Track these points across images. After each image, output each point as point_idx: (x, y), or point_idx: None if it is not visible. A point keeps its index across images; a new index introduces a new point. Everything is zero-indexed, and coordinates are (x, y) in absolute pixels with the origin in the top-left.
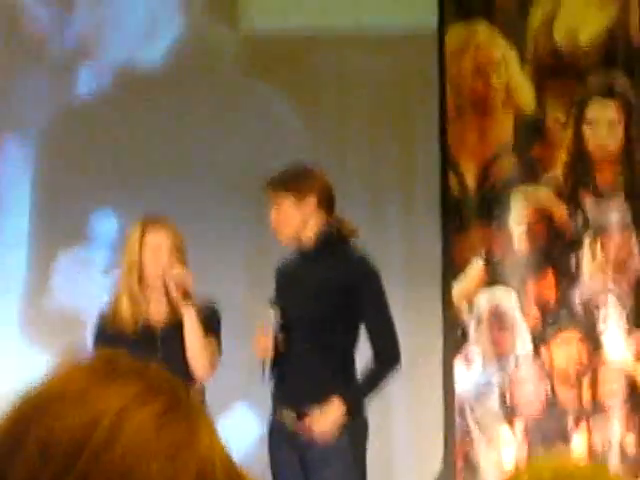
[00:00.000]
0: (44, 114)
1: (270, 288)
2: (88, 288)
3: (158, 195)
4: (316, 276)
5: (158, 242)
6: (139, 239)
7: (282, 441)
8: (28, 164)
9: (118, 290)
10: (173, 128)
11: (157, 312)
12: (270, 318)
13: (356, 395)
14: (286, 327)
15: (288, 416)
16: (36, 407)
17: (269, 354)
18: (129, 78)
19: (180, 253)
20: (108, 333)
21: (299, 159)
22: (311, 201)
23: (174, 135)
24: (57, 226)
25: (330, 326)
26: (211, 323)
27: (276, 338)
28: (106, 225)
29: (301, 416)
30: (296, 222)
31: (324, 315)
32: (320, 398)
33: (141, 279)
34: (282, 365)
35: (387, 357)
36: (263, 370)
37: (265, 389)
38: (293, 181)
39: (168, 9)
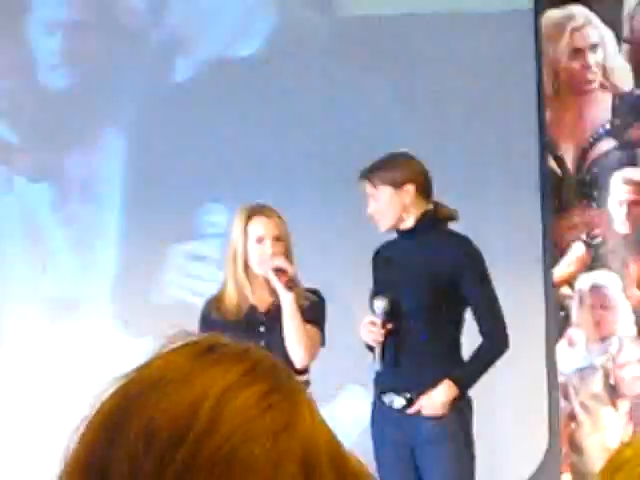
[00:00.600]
0: (143, 106)
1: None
2: (200, 282)
3: (260, 185)
4: (419, 260)
5: (261, 231)
6: (243, 227)
7: (389, 425)
8: (128, 157)
9: (225, 277)
10: (271, 118)
11: (261, 299)
12: (379, 306)
13: (467, 377)
14: (394, 313)
15: (398, 401)
16: (137, 392)
17: (380, 341)
18: (226, 68)
19: (283, 243)
20: (213, 318)
21: (395, 146)
22: (409, 189)
23: (272, 125)
24: (163, 221)
25: (436, 309)
26: (313, 312)
27: (384, 324)
28: (216, 218)
29: (411, 400)
30: (396, 211)
31: (430, 299)
32: (430, 381)
33: (246, 266)
34: (391, 351)
35: (496, 339)
36: (374, 357)
37: (369, 375)
38: (390, 171)
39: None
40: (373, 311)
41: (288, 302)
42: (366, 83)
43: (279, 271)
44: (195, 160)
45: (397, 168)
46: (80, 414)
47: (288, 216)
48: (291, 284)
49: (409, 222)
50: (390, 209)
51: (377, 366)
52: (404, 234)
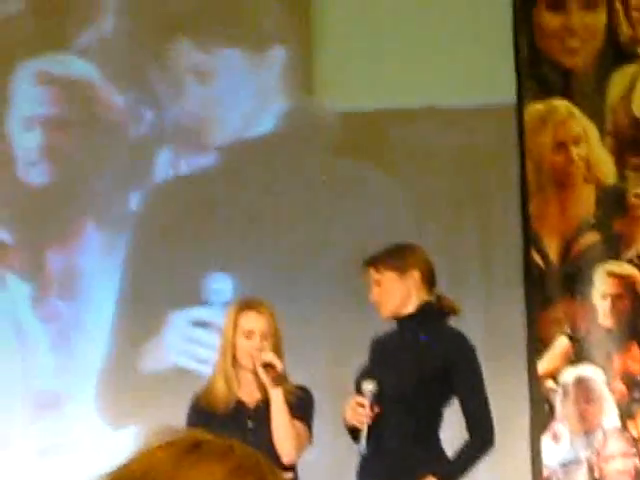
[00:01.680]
0: (127, 199)
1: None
2: (201, 348)
3: (264, 261)
4: (412, 347)
5: (251, 326)
6: (233, 321)
7: None
8: (111, 250)
9: (215, 370)
10: (268, 207)
11: (249, 394)
12: (368, 388)
13: (451, 474)
14: (382, 400)
15: None
16: None
17: (367, 423)
18: (225, 156)
19: (273, 338)
20: (202, 411)
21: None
22: (414, 275)
23: (269, 214)
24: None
25: (425, 402)
26: (301, 407)
27: (372, 407)
28: (219, 286)
29: None
30: (400, 296)
31: (420, 390)
32: (414, 475)
33: (234, 360)
34: (375, 440)
35: (482, 437)
36: (359, 440)
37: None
38: (395, 257)
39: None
40: (360, 393)
41: (276, 398)
42: (363, 174)
43: (268, 366)
44: (201, 232)
45: (403, 255)
46: None
47: (284, 304)
48: (279, 380)
49: (410, 309)
50: (394, 294)
51: (362, 448)
52: (403, 320)
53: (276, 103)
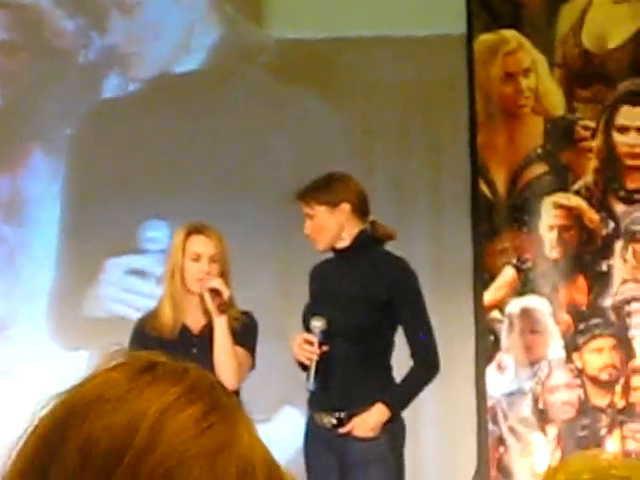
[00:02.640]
0: (73, 124)
1: (304, 294)
2: (137, 297)
3: (201, 202)
4: (354, 280)
5: (199, 250)
6: (181, 245)
7: (320, 445)
8: (58, 175)
9: (162, 294)
10: (207, 133)
11: (195, 320)
12: (317, 325)
13: (398, 400)
14: (328, 333)
15: (329, 421)
16: (76, 409)
17: (315, 360)
18: (162, 85)
19: (221, 263)
20: (147, 334)
21: (328, 165)
22: (345, 208)
23: (208, 141)
24: (101, 237)
25: (370, 330)
26: (244, 335)
27: (320, 344)
28: (157, 234)
29: (342, 420)
30: (332, 230)
31: (365, 319)
32: (362, 403)
33: (183, 284)
34: (324, 371)
35: (428, 362)
36: (307, 377)
37: (303, 396)
38: (325, 190)
39: (198, 20)
40: (308, 329)
41: (220, 325)
42: (303, 102)
43: (214, 292)
44: (135, 177)
45: (332, 188)
46: (16, 431)
47: (226, 233)
48: (224, 307)
49: (346, 241)
50: (326, 228)
51: (310, 385)
52: (340, 253)
53: (216, 31)
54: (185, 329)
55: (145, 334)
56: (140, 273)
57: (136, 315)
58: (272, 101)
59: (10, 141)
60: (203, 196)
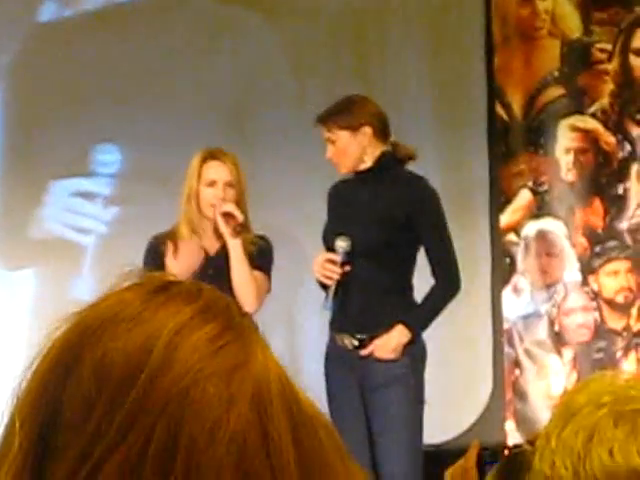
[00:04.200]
0: (9, 49)
1: (319, 215)
2: (84, 219)
3: (152, 125)
4: (376, 200)
5: (214, 176)
6: (197, 171)
7: (341, 366)
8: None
9: (179, 217)
10: (156, 57)
11: (211, 243)
12: (342, 246)
13: (420, 321)
14: (351, 254)
15: (350, 342)
16: (88, 330)
17: (334, 282)
18: (104, 12)
19: (237, 189)
20: (163, 255)
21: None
22: (367, 131)
23: (156, 65)
24: (48, 160)
25: (392, 251)
26: (260, 258)
27: (343, 264)
28: (108, 158)
29: (363, 342)
30: (355, 153)
31: (387, 240)
32: (383, 324)
33: (199, 209)
34: (345, 292)
35: (449, 282)
36: (327, 297)
37: (319, 315)
38: (345, 114)
39: None
40: (330, 249)
41: (235, 248)
42: (249, 23)
43: (227, 216)
44: (86, 100)
45: (353, 111)
46: None
47: (173, 156)
48: (238, 230)
49: (368, 163)
50: (349, 152)
51: (328, 305)
52: (361, 174)
53: None
54: (203, 251)
55: (162, 254)
56: (87, 195)
57: (80, 237)
58: (212, 21)
59: None
60: (153, 119)
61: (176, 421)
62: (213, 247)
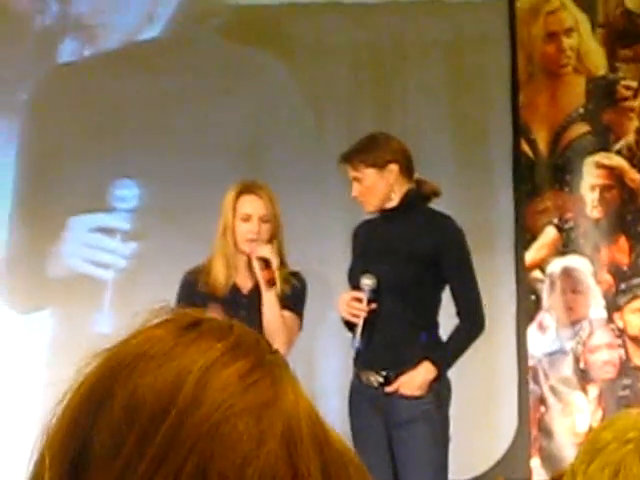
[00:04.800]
0: (28, 89)
1: (344, 254)
2: (104, 255)
3: (172, 163)
4: (402, 238)
5: (249, 210)
6: (232, 205)
7: (365, 403)
8: (14, 140)
9: (214, 252)
10: (173, 94)
11: (244, 279)
12: (367, 284)
13: (445, 359)
14: (377, 291)
15: (375, 379)
16: (119, 366)
17: (362, 320)
18: (121, 52)
19: (273, 223)
20: (199, 291)
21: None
22: (393, 168)
23: (174, 102)
24: (65, 197)
25: (418, 288)
26: (294, 298)
27: (369, 302)
28: (126, 193)
29: (389, 378)
30: (382, 191)
31: (413, 278)
32: (409, 361)
33: (234, 244)
34: (370, 329)
35: (474, 321)
36: (354, 335)
37: (341, 352)
38: (371, 152)
39: None
40: (355, 287)
41: (269, 297)
42: (265, 64)
43: (263, 261)
44: (104, 136)
45: (378, 149)
46: None
47: (197, 190)
48: (273, 282)
49: (394, 202)
50: (376, 190)
51: (357, 343)
52: (386, 213)
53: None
54: (235, 288)
55: (196, 290)
56: (106, 230)
57: (100, 272)
58: (229, 61)
59: None
60: (169, 155)
61: (206, 457)
62: (246, 285)
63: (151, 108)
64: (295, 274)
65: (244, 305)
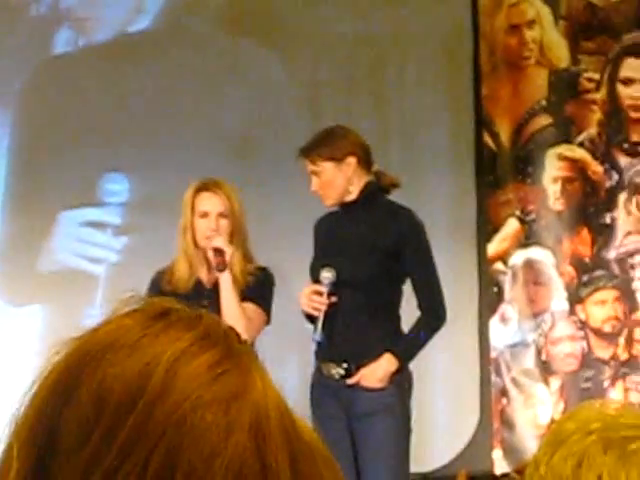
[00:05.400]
0: (22, 78)
1: (306, 247)
2: (95, 249)
3: (161, 157)
4: (362, 232)
5: (206, 208)
6: (190, 202)
7: (327, 396)
8: (7, 130)
9: (177, 250)
10: (164, 87)
11: (207, 274)
12: (327, 277)
13: (407, 350)
14: (337, 284)
15: (337, 372)
16: (89, 355)
17: (323, 311)
18: (115, 43)
19: (232, 219)
20: (163, 290)
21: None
22: (351, 161)
23: (164, 95)
24: (55, 190)
25: (379, 281)
26: (257, 290)
27: (329, 295)
28: (117, 187)
29: (350, 371)
30: (340, 185)
31: (373, 270)
32: (371, 354)
33: (194, 241)
34: (332, 322)
35: (435, 313)
36: (315, 328)
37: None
38: (328, 146)
39: None
40: (316, 281)
41: (225, 282)
42: (258, 55)
43: (217, 251)
44: (94, 130)
45: (336, 143)
46: None
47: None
48: (222, 267)
49: (353, 195)
50: (334, 184)
51: (318, 336)
52: (347, 206)
53: None
54: (199, 283)
55: (160, 289)
56: (96, 224)
57: (91, 267)
58: (221, 53)
59: None
60: (161, 149)
61: (174, 448)
62: (208, 280)
63: (141, 101)
64: (262, 269)
65: (207, 296)
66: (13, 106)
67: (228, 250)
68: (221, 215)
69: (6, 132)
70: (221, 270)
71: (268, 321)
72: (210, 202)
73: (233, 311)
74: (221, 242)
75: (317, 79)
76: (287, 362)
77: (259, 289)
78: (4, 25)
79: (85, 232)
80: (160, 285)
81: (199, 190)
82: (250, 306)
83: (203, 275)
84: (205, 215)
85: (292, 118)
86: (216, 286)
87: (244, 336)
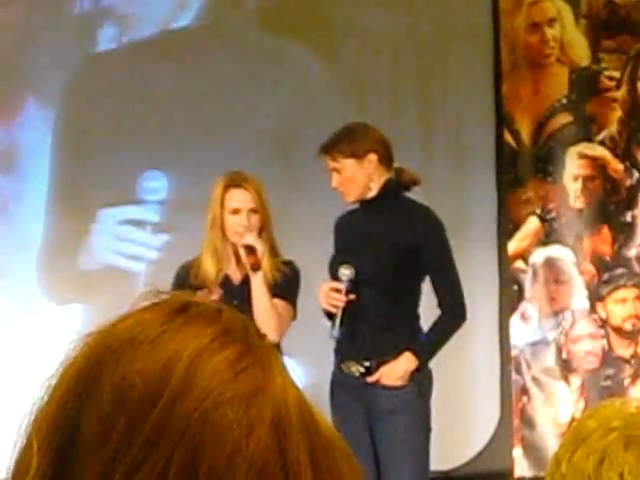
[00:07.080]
0: (66, 75)
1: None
2: (134, 247)
3: (201, 153)
4: (382, 229)
5: (237, 205)
6: (219, 198)
7: (347, 393)
8: (51, 126)
9: (203, 245)
10: (205, 85)
11: (235, 270)
12: (345, 274)
13: (426, 349)
14: (356, 282)
15: (357, 369)
16: (108, 351)
17: (340, 310)
18: (157, 40)
19: (262, 214)
20: (191, 284)
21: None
22: (372, 158)
23: (205, 93)
24: (96, 188)
25: (398, 279)
26: (285, 287)
27: (347, 292)
28: (155, 185)
29: (370, 369)
30: (361, 182)
31: (392, 268)
32: (390, 351)
33: (224, 236)
34: (351, 320)
35: (455, 311)
36: (333, 325)
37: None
38: (349, 142)
39: None
40: (335, 278)
41: (257, 283)
42: (299, 53)
43: (249, 248)
44: (132, 128)
45: (356, 139)
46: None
47: None
48: (257, 266)
49: (373, 191)
50: (355, 180)
51: (335, 333)
52: (367, 203)
53: None
54: (227, 279)
55: (188, 283)
56: (135, 222)
57: (131, 264)
58: (262, 50)
59: (4, 92)
60: (200, 147)
61: (196, 446)
62: (238, 275)
63: (182, 99)
64: (288, 263)
65: (236, 294)
66: (56, 104)
67: (260, 247)
68: (252, 211)
69: (49, 130)
70: (255, 270)
71: (295, 316)
72: (241, 198)
73: (266, 310)
74: (253, 239)
75: (359, 77)
76: (306, 357)
77: (287, 285)
78: (47, 23)
79: (124, 230)
80: (187, 279)
81: (229, 186)
82: (279, 302)
83: (231, 271)
84: (236, 212)
85: (334, 116)
86: (244, 282)
87: (276, 333)
